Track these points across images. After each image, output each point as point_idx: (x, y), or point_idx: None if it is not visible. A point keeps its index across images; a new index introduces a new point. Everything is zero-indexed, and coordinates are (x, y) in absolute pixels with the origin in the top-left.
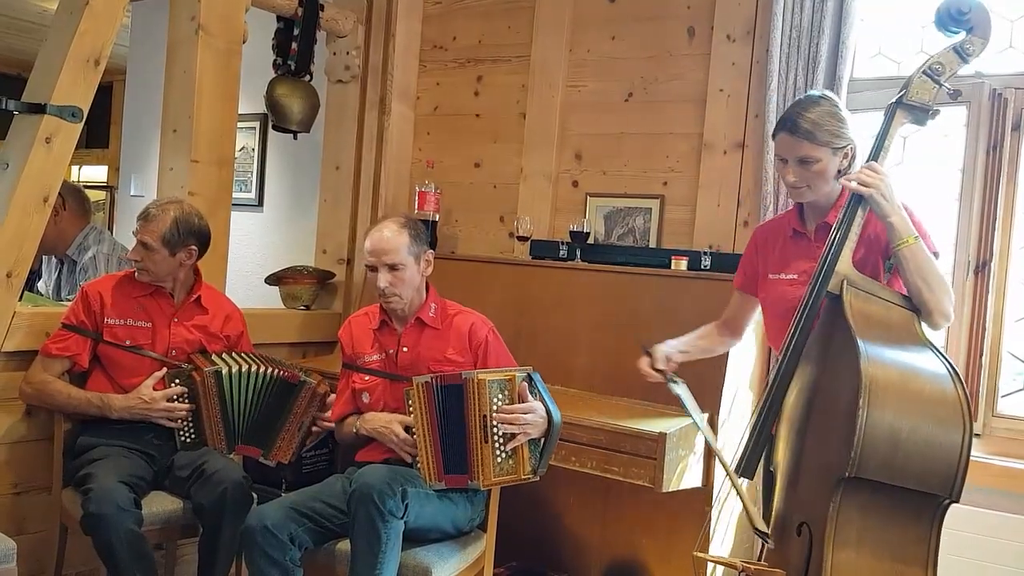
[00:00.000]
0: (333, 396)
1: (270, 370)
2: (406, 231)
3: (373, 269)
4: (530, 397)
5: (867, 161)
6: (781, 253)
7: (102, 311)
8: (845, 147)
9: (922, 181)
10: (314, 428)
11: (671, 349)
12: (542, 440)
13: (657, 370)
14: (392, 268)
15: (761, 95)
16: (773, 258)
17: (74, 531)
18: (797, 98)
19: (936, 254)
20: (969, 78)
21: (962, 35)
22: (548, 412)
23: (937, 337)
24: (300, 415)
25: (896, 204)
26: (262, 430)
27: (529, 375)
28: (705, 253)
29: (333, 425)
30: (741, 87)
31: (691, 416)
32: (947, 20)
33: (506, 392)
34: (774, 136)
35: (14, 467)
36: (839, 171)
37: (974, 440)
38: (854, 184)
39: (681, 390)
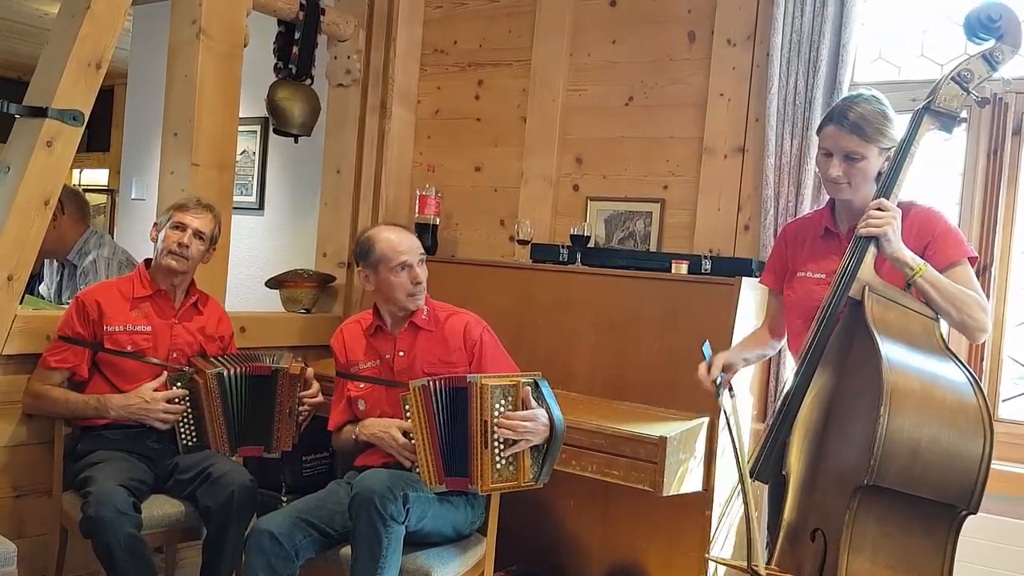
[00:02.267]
0: (311, 371)
1: (246, 368)
2: (413, 229)
3: (408, 267)
4: (534, 404)
5: (892, 167)
6: (811, 251)
7: (100, 319)
8: (890, 148)
9: (923, 185)
10: (301, 408)
11: (735, 357)
12: (544, 447)
13: (714, 381)
14: (422, 261)
15: (761, 99)
16: (803, 255)
17: (74, 534)
18: (848, 94)
19: (972, 259)
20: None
21: (991, 42)
22: (551, 419)
23: None
24: (286, 402)
25: (899, 241)
26: (258, 427)
27: (536, 382)
28: (705, 257)
29: (320, 399)
30: (741, 91)
31: (731, 433)
32: (977, 27)
33: (509, 398)
34: (819, 130)
35: (15, 470)
36: (879, 173)
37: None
38: (863, 230)
39: (728, 405)
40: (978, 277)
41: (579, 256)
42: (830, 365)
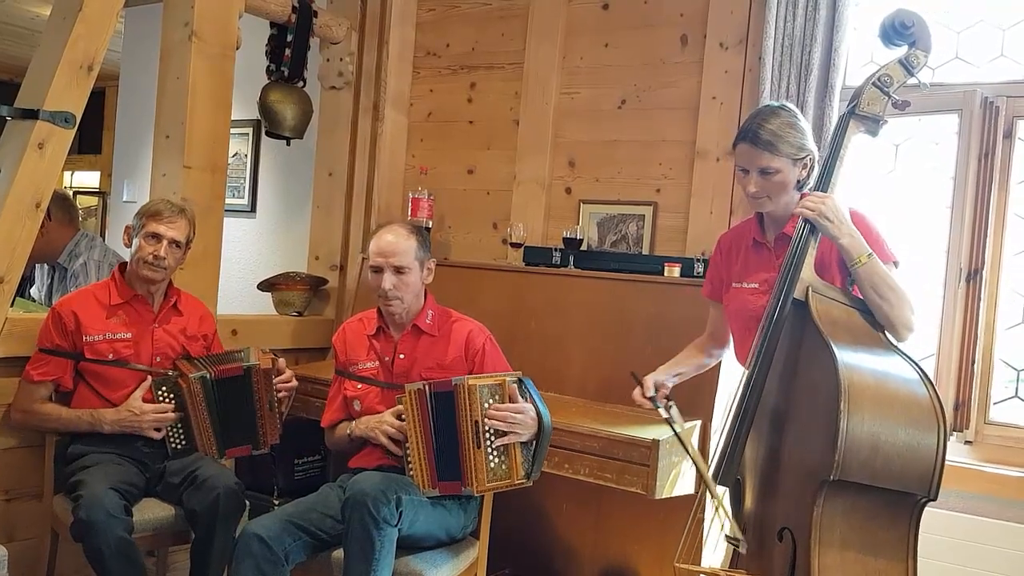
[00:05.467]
0: (282, 360)
1: (217, 372)
2: (414, 236)
3: (377, 271)
4: (521, 400)
5: (823, 169)
6: (744, 262)
7: (78, 329)
8: (804, 157)
9: (914, 189)
10: (280, 395)
11: (661, 375)
12: (533, 444)
13: (648, 398)
14: (398, 270)
15: (754, 103)
16: (737, 267)
17: (65, 538)
18: (755, 109)
19: (896, 263)
20: (960, 86)
21: (906, 48)
22: (539, 415)
23: (929, 343)
24: (264, 396)
25: (846, 225)
26: (243, 427)
27: (520, 379)
28: (698, 260)
29: (294, 383)
30: (734, 95)
31: (681, 443)
32: (891, 33)
33: (497, 396)
34: (734, 147)
35: (5, 474)
36: (798, 181)
37: (967, 447)
38: (799, 211)
39: (672, 414)
40: (969, 282)
41: (572, 259)
42: (779, 366)
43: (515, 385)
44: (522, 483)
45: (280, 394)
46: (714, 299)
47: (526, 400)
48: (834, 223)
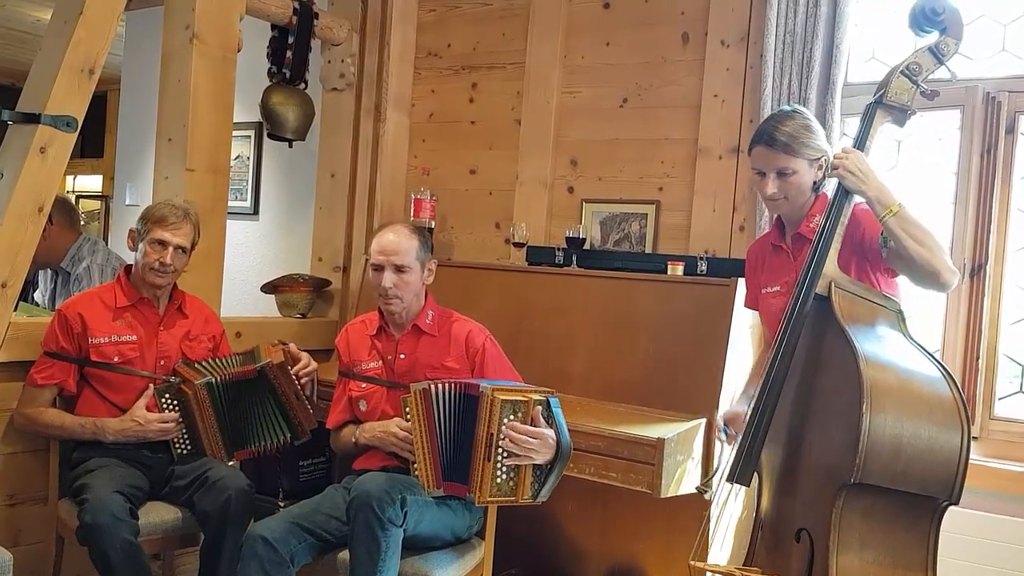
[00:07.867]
0: (293, 345)
1: (231, 376)
2: (416, 237)
3: (378, 269)
4: (543, 422)
5: None
6: (769, 267)
7: (84, 331)
8: (819, 158)
9: (917, 185)
10: (303, 382)
11: (739, 406)
12: (547, 467)
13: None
14: (399, 269)
15: (756, 100)
16: (763, 273)
17: (71, 542)
18: (769, 113)
19: None
20: (963, 81)
21: (935, 35)
22: (559, 440)
23: (934, 339)
24: (288, 390)
25: (872, 178)
26: (264, 424)
27: (547, 400)
28: (701, 258)
29: (314, 366)
30: (736, 92)
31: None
32: (921, 20)
33: (519, 415)
34: (750, 151)
35: (10, 478)
36: (814, 182)
37: (972, 443)
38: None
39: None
40: (973, 277)
41: (575, 258)
42: (800, 363)
43: (539, 407)
44: (527, 502)
45: (302, 380)
46: (756, 309)
47: (549, 423)
48: (857, 175)
